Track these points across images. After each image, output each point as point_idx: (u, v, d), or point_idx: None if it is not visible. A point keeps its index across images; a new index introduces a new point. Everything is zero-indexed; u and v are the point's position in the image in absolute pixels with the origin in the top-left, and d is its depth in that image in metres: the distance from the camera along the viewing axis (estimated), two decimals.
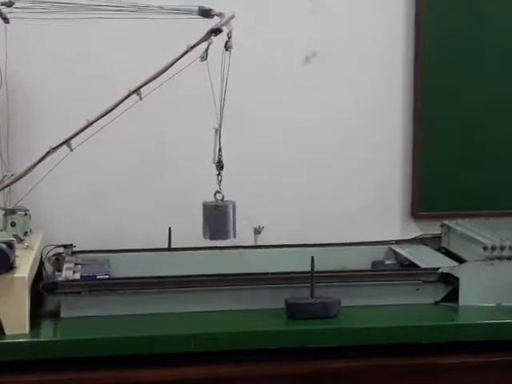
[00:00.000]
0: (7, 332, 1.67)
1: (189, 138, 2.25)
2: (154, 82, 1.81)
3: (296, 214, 2.31)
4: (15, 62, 2.03)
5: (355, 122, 2.33)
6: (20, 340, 1.66)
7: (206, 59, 1.78)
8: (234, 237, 1.84)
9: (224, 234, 1.82)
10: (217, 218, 1.81)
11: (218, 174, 1.82)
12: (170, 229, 2.15)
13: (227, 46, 1.78)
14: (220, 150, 1.83)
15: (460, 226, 2.11)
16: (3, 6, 1.87)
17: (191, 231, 2.13)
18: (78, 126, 1.83)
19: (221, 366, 1.71)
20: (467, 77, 2.33)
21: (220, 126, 1.82)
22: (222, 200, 1.83)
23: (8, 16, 1.88)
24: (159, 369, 1.70)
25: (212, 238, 1.83)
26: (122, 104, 1.82)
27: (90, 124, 1.82)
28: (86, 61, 2.18)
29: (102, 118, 1.82)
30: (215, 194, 1.83)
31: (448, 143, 2.34)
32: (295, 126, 2.30)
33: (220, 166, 1.82)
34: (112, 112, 1.82)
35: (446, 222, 2.17)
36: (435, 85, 2.32)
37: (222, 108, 1.80)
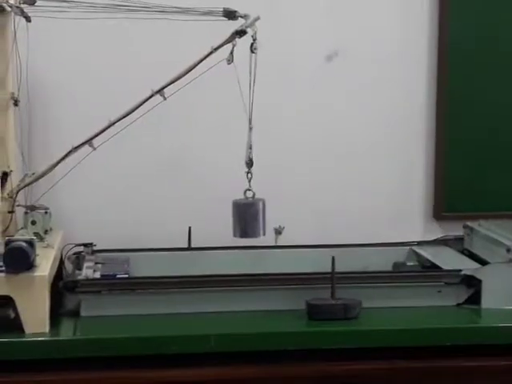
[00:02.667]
0: (27, 331, 1.67)
1: (208, 139, 2.25)
2: (177, 83, 1.81)
3: (317, 215, 2.30)
4: (37, 60, 2.03)
5: (377, 122, 2.31)
6: (40, 339, 1.66)
7: (232, 61, 1.78)
8: (264, 234, 1.84)
9: (254, 232, 1.81)
10: (247, 216, 1.81)
11: (248, 172, 1.81)
12: (189, 228, 2.15)
13: (253, 48, 1.78)
14: (251, 148, 1.82)
15: (483, 227, 2.09)
16: (25, 5, 1.88)
17: (211, 231, 2.13)
18: (99, 126, 1.83)
19: (240, 367, 1.70)
20: (492, 76, 2.31)
21: (250, 126, 1.81)
22: (253, 198, 1.81)
23: (30, 15, 1.88)
24: (178, 369, 1.69)
25: (243, 236, 1.82)
26: (144, 104, 1.81)
27: (112, 124, 1.83)
28: (109, 60, 2.19)
29: (126, 119, 1.83)
30: (245, 192, 1.82)
31: (471, 144, 2.32)
32: (317, 126, 2.28)
33: (250, 163, 1.81)
34: (135, 113, 1.82)
35: (469, 223, 2.14)
36: (459, 84, 2.30)
37: (251, 108, 1.79)
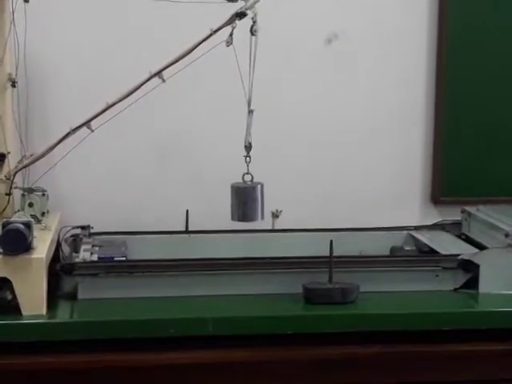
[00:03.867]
0: (24, 313, 1.67)
1: (207, 121, 2.24)
2: (176, 65, 1.79)
3: (314, 199, 2.29)
4: (35, 42, 2.02)
5: (376, 107, 2.31)
6: (37, 321, 1.66)
7: (231, 44, 1.76)
8: (263, 218, 1.83)
9: (253, 216, 1.81)
10: (246, 200, 1.80)
11: (247, 156, 1.80)
12: (187, 211, 2.15)
13: (253, 31, 1.76)
14: (250, 131, 1.81)
15: (481, 212, 2.09)
16: None
17: (209, 214, 2.13)
18: (97, 108, 1.82)
19: (237, 350, 1.71)
20: (491, 63, 2.30)
21: (250, 109, 1.79)
22: (251, 181, 1.81)
23: None
24: (175, 352, 1.69)
25: (241, 219, 1.81)
26: (143, 87, 1.80)
27: (109, 106, 1.82)
28: (108, 42, 2.17)
29: (123, 101, 1.81)
30: (243, 176, 1.81)
31: (469, 128, 2.32)
32: (316, 110, 2.28)
33: (249, 147, 1.80)
34: (133, 95, 1.81)
35: (467, 207, 2.14)
36: (458, 70, 2.29)
37: (250, 91, 1.77)
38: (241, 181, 1.81)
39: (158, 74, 1.80)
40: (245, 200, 1.81)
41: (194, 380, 1.71)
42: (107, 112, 1.83)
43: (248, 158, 1.80)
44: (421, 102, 2.33)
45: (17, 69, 1.96)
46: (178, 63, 1.80)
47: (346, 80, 2.28)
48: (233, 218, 1.83)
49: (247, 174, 1.81)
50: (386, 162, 2.32)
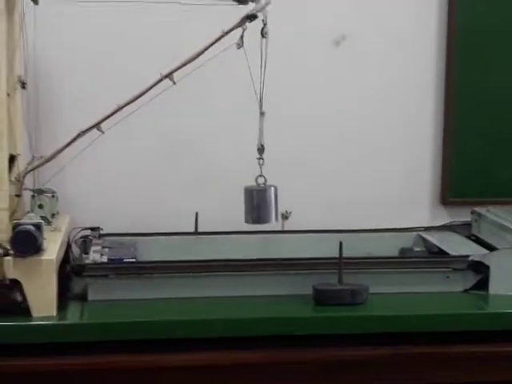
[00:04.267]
0: (34, 314, 1.67)
1: (218, 124, 2.24)
2: (187, 67, 1.79)
3: (324, 200, 2.29)
4: (44, 44, 2.03)
5: (385, 106, 2.30)
6: (47, 322, 1.66)
7: (242, 46, 1.76)
8: (277, 220, 1.83)
9: (266, 219, 1.80)
10: (259, 203, 1.79)
11: (260, 158, 1.79)
12: (196, 213, 2.15)
13: (263, 33, 1.76)
14: (262, 133, 1.80)
15: (491, 213, 2.08)
16: None
17: (218, 216, 2.13)
18: (107, 110, 1.82)
19: (247, 352, 1.70)
20: (500, 62, 2.29)
21: (261, 111, 1.79)
22: (265, 184, 1.80)
23: None
24: (184, 353, 1.69)
25: (255, 222, 1.81)
26: (153, 89, 1.80)
27: (120, 108, 1.81)
28: (119, 45, 2.18)
29: (133, 103, 1.81)
30: (257, 179, 1.80)
31: (480, 129, 2.31)
32: (325, 112, 2.28)
33: (262, 149, 1.80)
34: (143, 97, 1.81)
35: (477, 208, 2.14)
36: (467, 71, 2.29)
37: (261, 93, 1.77)
38: (253, 183, 1.81)
39: (169, 75, 1.80)
40: (258, 203, 1.80)
41: (203, 382, 1.71)
42: (117, 115, 1.83)
43: (261, 161, 1.80)
44: (430, 104, 2.32)
45: (26, 70, 1.96)
46: (188, 65, 1.80)
47: (354, 82, 2.28)
48: (246, 221, 1.82)
49: (260, 176, 1.80)
50: (395, 164, 2.32)
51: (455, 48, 2.27)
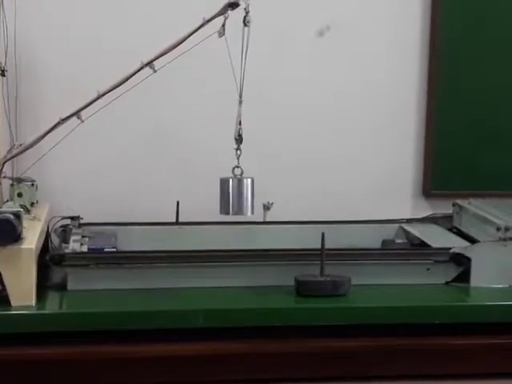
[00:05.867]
0: (13, 303, 1.65)
1: (199, 113, 2.23)
2: (168, 55, 1.78)
3: (306, 191, 2.29)
4: (24, 31, 2.01)
5: (368, 98, 2.30)
6: (26, 312, 1.65)
7: (223, 34, 1.75)
8: (252, 213, 1.80)
9: (242, 210, 1.78)
10: (234, 194, 1.77)
11: (237, 149, 1.77)
12: (177, 203, 2.13)
13: (245, 21, 1.74)
14: (240, 123, 1.78)
15: (472, 205, 2.09)
16: None
17: (199, 206, 2.12)
18: (88, 98, 1.80)
19: (228, 343, 1.69)
20: (485, 55, 2.29)
21: (240, 100, 1.78)
22: (241, 175, 1.78)
23: None
24: (165, 344, 1.68)
25: (229, 213, 1.79)
26: (134, 77, 1.78)
27: (100, 96, 1.80)
28: (99, 32, 2.16)
29: (114, 91, 1.80)
30: (233, 169, 1.78)
31: (461, 122, 2.32)
32: (307, 102, 2.27)
33: (240, 140, 1.78)
34: (124, 85, 1.79)
35: (459, 201, 2.14)
36: (449, 63, 2.29)
37: (241, 82, 1.75)
38: (231, 174, 1.79)
39: (149, 64, 1.78)
40: (234, 194, 1.78)
41: (183, 372, 1.70)
42: (98, 102, 1.81)
43: (238, 151, 1.78)
44: (412, 96, 2.32)
45: (6, 57, 1.94)
46: (169, 54, 1.78)
47: (337, 73, 2.28)
48: (221, 212, 1.80)
49: (237, 167, 1.78)
50: (377, 156, 2.32)
51: (440, 40, 2.27)
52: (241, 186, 1.78)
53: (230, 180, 1.78)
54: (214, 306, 1.71)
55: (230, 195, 1.78)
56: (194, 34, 1.77)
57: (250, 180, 1.79)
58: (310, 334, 1.71)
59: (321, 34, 2.26)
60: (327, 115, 2.28)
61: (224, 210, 1.79)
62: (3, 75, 1.95)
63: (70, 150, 2.08)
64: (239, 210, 1.79)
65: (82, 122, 1.80)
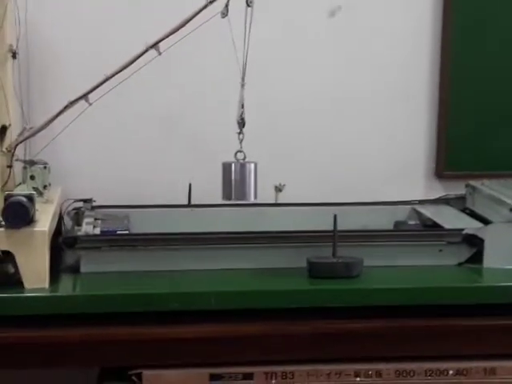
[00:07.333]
0: (27, 286, 1.66)
1: (210, 95, 2.22)
2: (173, 36, 1.76)
3: (318, 173, 2.28)
4: (35, 13, 2.00)
5: (379, 78, 2.29)
6: (39, 294, 1.65)
7: (226, 15, 1.73)
8: (255, 199, 1.76)
9: (244, 196, 1.75)
10: (237, 179, 1.74)
11: (240, 133, 1.74)
12: (190, 185, 2.14)
13: (248, 2, 1.72)
14: (243, 106, 1.76)
15: (486, 186, 2.07)
16: None
17: (212, 189, 2.11)
18: (98, 80, 1.80)
19: (240, 325, 1.70)
20: (499, 36, 2.27)
21: (243, 83, 1.76)
22: (244, 160, 1.75)
23: None
24: (178, 326, 1.68)
25: (231, 199, 1.75)
26: (143, 58, 1.78)
27: (107, 78, 1.79)
28: (108, 14, 2.15)
29: (123, 73, 1.79)
30: (236, 154, 1.75)
31: (475, 101, 2.30)
32: (319, 83, 2.26)
33: (242, 123, 1.75)
34: (131, 67, 1.78)
35: (471, 182, 2.13)
36: (463, 43, 2.27)
37: (245, 64, 1.74)
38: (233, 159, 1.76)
39: (154, 46, 1.77)
40: (236, 180, 1.75)
41: (196, 354, 1.70)
42: (108, 85, 1.81)
43: (241, 135, 1.74)
44: (425, 76, 2.31)
45: (18, 40, 1.94)
46: (175, 35, 1.77)
47: (347, 53, 2.26)
48: (223, 198, 1.76)
49: (240, 151, 1.74)
50: (389, 136, 2.31)
51: (453, 20, 2.25)
52: (243, 170, 1.75)
53: (233, 164, 1.75)
54: (226, 289, 1.71)
55: (232, 180, 1.75)
56: (200, 16, 1.75)
57: (253, 165, 1.75)
58: (322, 316, 1.70)
59: (332, 14, 2.24)
60: (337, 95, 2.27)
61: (226, 195, 1.76)
62: (14, 57, 1.95)
63: (82, 134, 2.09)
64: (242, 195, 1.75)
65: (90, 104, 1.80)
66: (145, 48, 1.77)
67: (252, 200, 1.77)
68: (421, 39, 2.29)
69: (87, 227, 1.90)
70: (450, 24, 2.26)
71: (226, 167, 1.76)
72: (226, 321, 1.69)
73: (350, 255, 1.78)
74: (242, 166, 1.75)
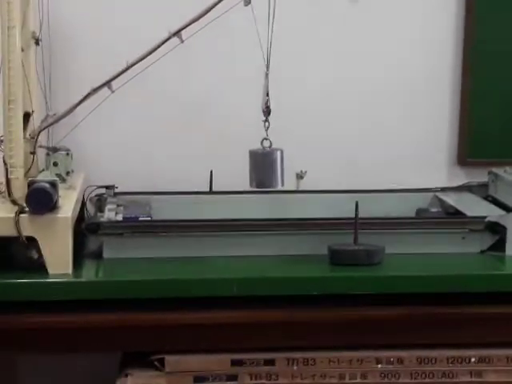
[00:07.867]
0: (50, 271, 1.67)
1: (232, 83, 2.21)
2: (196, 24, 1.76)
3: (339, 160, 2.28)
4: (58, 1, 2.00)
5: (402, 67, 2.27)
6: (63, 280, 1.67)
7: (249, 3, 1.72)
8: (282, 185, 1.78)
9: (271, 183, 1.76)
10: (264, 167, 1.75)
11: (266, 121, 1.75)
12: (211, 172, 2.14)
13: None
14: (267, 94, 1.77)
15: (508, 173, 2.06)
16: None
17: (233, 176, 2.12)
18: (121, 67, 1.80)
19: (261, 311, 1.70)
20: None
21: (267, 72, 1.76)
22: (270, 147, 1.76)
23: None
24: (200, 312, 1.69)
25: (258, 186, 1.78)
26: (164, 47, 1.78)
27: (129, 66, 1.79)
28: (129, 2, 2.15)
29: (145, 61, 1.79)
30: (262, 142, 1.76)
31: (498, 89, 2.28)
32: (340, 71, 2.25)
33: (268, 111, 1.76)
34: (154, 54, 1.79)
35: (494, 169, 2.11)
36: (486, 31, 2.24)
37: (269, 53, 1.74)
38: (260, 146, 1.77)
39: (177, 33, 1.77)
40: (263, 167, 1.76)
41: (217, 340, 1.71)
42: (130, 72, 1.81)
43: (267, 123, 1.75)
44: (448, 63, 2.29)
45: (41, 27, 1.95)
46: (198, 23, 1.77)
47: (371, 41, 2.25)
48: (251, 185, 1.79)
49: (266, 139, 1.75)
50: (412, 123, 2.30)
51: (475, 10, 2.23)
52: (270, 158, 1.76)
53: (260, 152, 1.76)
54: (247, 275, 1.72)
55: (259, 168, 1.77)
56: (222, 4, 1.74)
57: (279, 152, 1.77)
58: (343, 303, 1.71)
59: (355, 0, 2.23)
60: (360, 83, 2.26)
61: (255, 182, 1.78)
62: (37, 44, 1.95)
63: (104, 120, 2.10)
64: (269, 182, 1.77)
65: (113, 92, 1.81)
66: (167, 36, 1.77)
67: (279, 187, 1.78)
68: (444, 26, 2.27)
69: (110, 213, 1.91)
70: (474, 12, 2.24)
71: (253, 155, 1.77)
72: (247, 307, 1.70)
73: (372, 243, 1.78)
74: (270, 154, 1.76)
